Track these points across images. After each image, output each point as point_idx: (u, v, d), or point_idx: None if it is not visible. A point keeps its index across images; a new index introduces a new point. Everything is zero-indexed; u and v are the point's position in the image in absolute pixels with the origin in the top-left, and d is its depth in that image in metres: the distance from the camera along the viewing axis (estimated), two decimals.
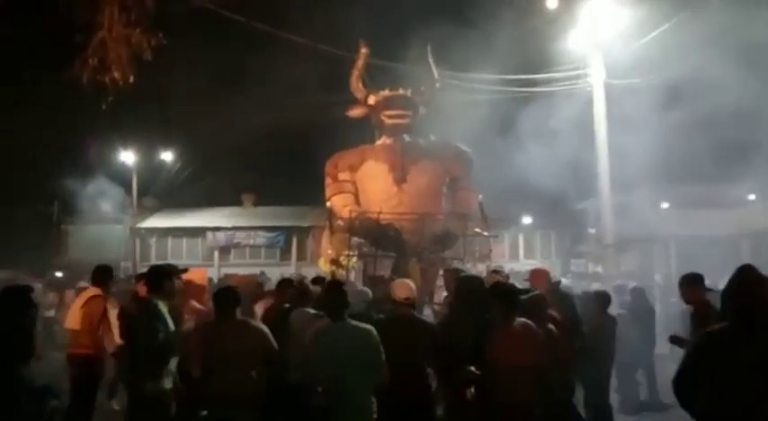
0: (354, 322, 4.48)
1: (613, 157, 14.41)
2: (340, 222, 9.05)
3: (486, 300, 4.55)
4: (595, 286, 11.31)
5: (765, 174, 20.54)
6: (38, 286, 11.47)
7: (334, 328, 4.49)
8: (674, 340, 5.30)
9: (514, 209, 29.78)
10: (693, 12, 12.62)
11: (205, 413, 4.66)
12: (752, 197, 24.75)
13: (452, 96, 13.68)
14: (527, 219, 32.75)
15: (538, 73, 14.64)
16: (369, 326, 4.48)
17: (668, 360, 8.37)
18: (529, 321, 4.49)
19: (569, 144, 15.29)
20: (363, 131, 9.89)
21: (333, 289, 4.86)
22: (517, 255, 32.24)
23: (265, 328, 4.89)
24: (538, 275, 6.30)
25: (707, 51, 13.38)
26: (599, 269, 15.42)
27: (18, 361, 4.17)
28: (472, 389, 4.46)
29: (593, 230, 22.25)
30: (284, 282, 6.36)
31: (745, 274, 3.27)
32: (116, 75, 7.37)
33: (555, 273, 16.05)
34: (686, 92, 14.91)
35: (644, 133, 17.19)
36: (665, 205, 25.92)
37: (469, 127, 13.21)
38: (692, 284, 5.37)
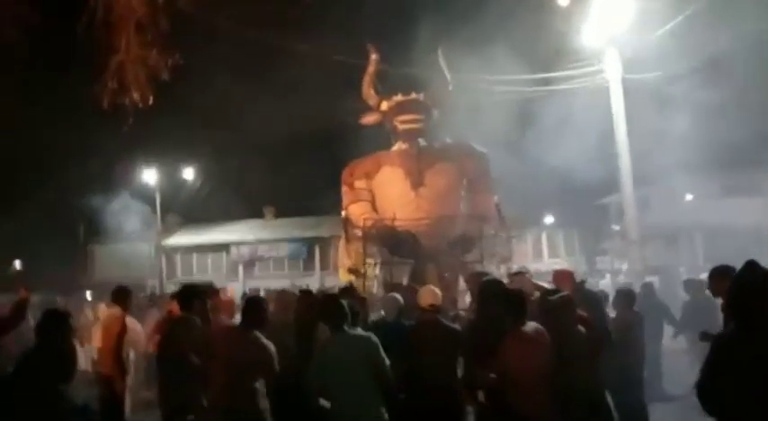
0: (353, 332, 4.43)
1: (635, 151, 14.27)
2: (356, 231, 9.03)
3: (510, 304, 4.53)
4: (620, 281, 11.22)
5: None
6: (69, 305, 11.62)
7: (332, 340, 4.46)
8: (704, 337, 5.22)
9: (536, 208, 29.65)
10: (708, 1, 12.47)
11: None
12: None
13: (467, 97, 13.70)
14: (549, 219, 32.56)
15: (553, 70, 14.56)
16: (367, 334, 4.44)
17: (682, 354, 8.31)
18: (540, 326, 4.44)
19: (589, 140, 15.19)
20: (381, 138, 9.89)
21: (330, 300, 4.81)
22: (541, 255, 32.05)
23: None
24: (562, 276, 6.25)
25: (726, 39, 13.24)
26: (624, 265, 15.25)
27: (60, 382, 4.30)
28: (481, 394, 4.44)
29: (616, 227, 22.05)
30: (306, 294, 6.40)
31: (747, 272, 3.17)
32: (135, 96, 7.49)
33: (580, 271, 16.02)
34: (707, 82, 14.76)
35: (665, 125, 17.06)
36: (689, 196, 25.55)
37: (486, 127, 13.18)
38: (721, 276, 5.27)
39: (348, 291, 6.35)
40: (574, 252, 31.74)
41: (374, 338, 4.39)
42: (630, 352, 6.14)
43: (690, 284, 8.95)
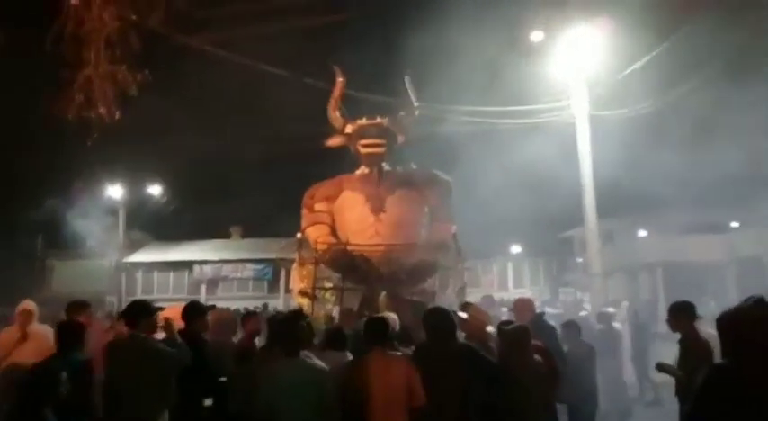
0: (309, 361, 4.32)
1: (600, 185, 14.55)
2: (311, 254, 8.92)
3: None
4: (583, 314, 11.39)
5: (747, 201, 20.83)
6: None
7: (282, 364, 4.36)
8: (662, 368, 5.29)
9: (503, 239, 29.96)
10: (674, 43, 12.89)
11: None
12: (735, 224, 25.01)
13: (435, 126, 13.84)
14: (516, 248, 32.90)
15: (522, 104, 14.82)
16: (321, 366, 4.32)
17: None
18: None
19: (555, 173, 15.45)
20: (349, 161, 9.86)
21: (287, 324, 4.70)
22: (506, 284, 32.28)
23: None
24: (522, 306, 6.33)
25: (690, 81, 13.68)
26: (585, 297, 15.43)
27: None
28: None
29: (579, 259, 22.35)
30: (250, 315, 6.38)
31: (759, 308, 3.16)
32: (102, 110, 7.41)
33: (543, 301, 16.18)
34: (672, 120, 15.18)
35: (630, 162, 17.46)
36: (646, 232, 26.11)
37: (453, 156, 13.34)
38: (679, 313, 5.36)
39: (300, 314, 6.25)
40: (539, 282, 32.07)
41: (326, 373, 4.30)
42: (584, 384, 6.21)
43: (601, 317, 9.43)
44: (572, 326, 6.91)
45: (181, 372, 4.88)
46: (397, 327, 5.31)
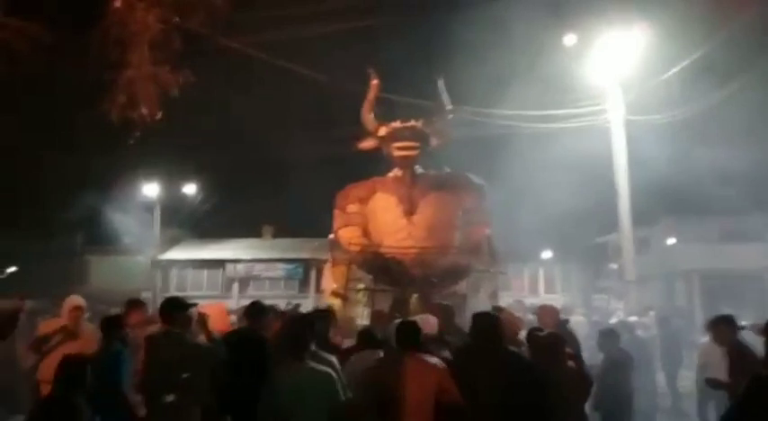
0: (313, 364, 4.33)
1: (635, 191, 14.36)
2: (343, 255, 8.96)
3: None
4: (614, 321, 11.26)
5: None
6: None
7: (288, 368, 4.39)
8: (712, 382, 5.21)
9: (535, 243, 29.66)
10: (714, 48, 12.67)
11: None
12: None
13: (469, 129, 13.79)
14: (547, 254, 32.52)
15: (557, 108, 14.70)
16: (326, 371, 4.32)
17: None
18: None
19: (590, 178, 15.30)
20: (383, 163, 9.89)
21: (292, 327, 4.72)
22: (537, 290, 31.92)
23: None
24: (545, 312, 6.27)
25: (727, 86, 13.43)
26: (620, 305, 15.22)
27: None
28: None
29: (614, 265, 22.03)
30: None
31: None
32: (144, 111, 7.58)
33: (576, 308, 16.03)
34: (709, 126, 14.92)
35: (665, 168, 17.18)
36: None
37: (489, 161, 13.30)
38: (719, 325, 5.25)
39: (320, 315, 6.11)
40: (571, 288, 31.64)
41: (333, 375, 4.32)
42: (621, 391, 6.15)
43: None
44: (610, 334, 6.83)
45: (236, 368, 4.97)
46: (436, 330, 5.31)
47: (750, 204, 21.27)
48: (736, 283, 20.86)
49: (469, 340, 4.75)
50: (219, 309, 7.22)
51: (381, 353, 5.03)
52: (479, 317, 4.77)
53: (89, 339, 6.02)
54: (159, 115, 7.69)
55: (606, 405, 5.95)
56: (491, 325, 4.64)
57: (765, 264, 21.90)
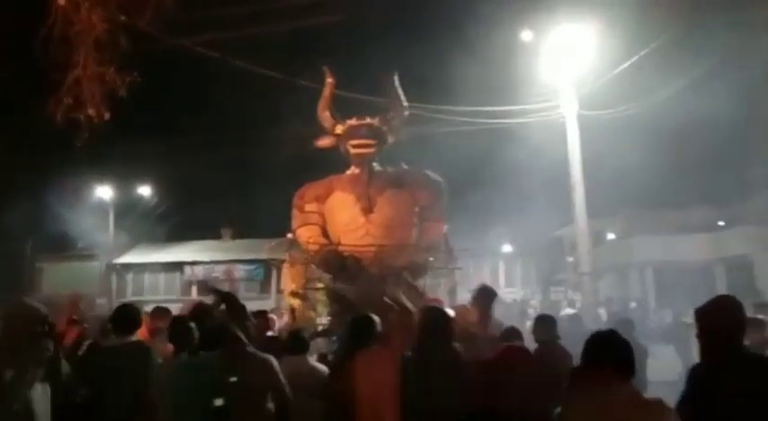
0: (197, 359, 4.33)
1: (590, 185, 14.63)
2: (301, 255, 8.91)
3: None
4: (565, 313, 11.48)
5: (732, 200, 21.01)
6: None
7: (170, 364, 4.44)
8: None
9: (495, 238, 30.02)
10: (662, 44, 12.98)
11: None
12: (721, 223, 25.17)
13: (426, 127, 13.86)
14: (507, 248, 32.97)
15: (511, 105, 14.89)
16: (207, 364, 4.32)
17: None
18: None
19: (548, 173, 15.53)
20: (340, 162, 9.84)
21: (175, 322, 4.72)
22: (497, 283, 32.30)
23: None
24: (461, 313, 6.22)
25: (678, 81, 13.81)
26: (576, 297, 15.52)
27: None
28: None
29: (570, 258, 22.44)
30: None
31: (715, 305, 3.36)
32: (91, 112, 7.37)
33: (536, 301, 16.28)
34: (660, 120, 15.31)
35: (620, 162, 17.57)
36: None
37: (446, 157, 13.36)
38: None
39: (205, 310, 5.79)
40: (530, 281, 32.13)
41: (213, 370, 4.29)
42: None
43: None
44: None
45: None
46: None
47: (702, 197, 21.93)
48: (688, 275, 21.46)
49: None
50: None
51: (307, 358, 5.07)
52: (425, 315, 4.76)
53: None
54: (107, 116, 7.49)
55: None
56: (436, 322, 4.62)
57: (715, 255, 22.60)
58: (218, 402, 4.47)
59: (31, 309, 4.00)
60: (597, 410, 2.56)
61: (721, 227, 24.77)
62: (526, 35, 14.86)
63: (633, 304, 13.63)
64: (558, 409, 2.91)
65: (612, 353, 2.75)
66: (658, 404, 2.53)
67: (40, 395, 3.78)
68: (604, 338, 2.87)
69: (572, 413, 2.76)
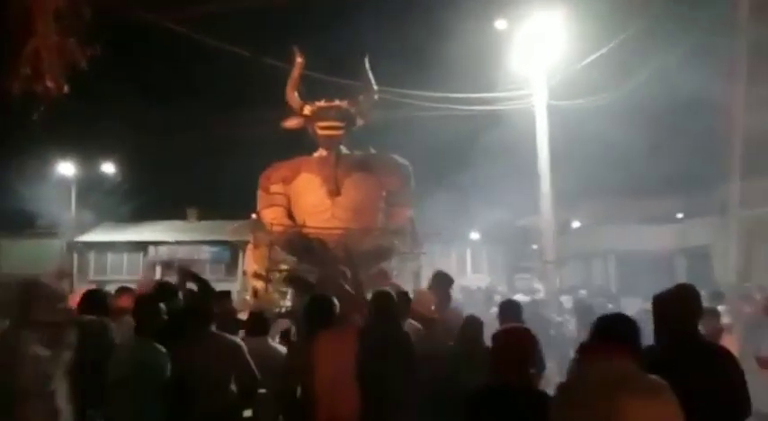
0: (152, 344, 4.28)
1: (557, 174, 14.76)
2: (265, 236, 8.83)
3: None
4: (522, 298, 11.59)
5: (694, 190, 21.44)
6: None
7: (126, 346, 4.43)
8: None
9: (463, 224, 30.21)
10: (633, 35, 13.10)
11: None
12: (680, 215, 25.69)
13: (396, 111, 13.82)
14: (475, 235, 33.22)
15: (483, 92, 14.90)
16: (158, 348, 4.26)
17: None
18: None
19: (517, 161, 15.61)
20: (308, 143, 9.75)
21: (141, 303, 4.69)
22: (464, 270, 32.55)
23: None
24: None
25: (645, 72, 13.97)
26: (539, 285, 15.71)
27: None
28: None
29: (535, 246, 22.67)
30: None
31: (672, 293, 3.46)
32: (49, 84, 7.12)
33: (502, 288, 16.41)
34: (628, 111, 15.48)
35: (585, 151, 17.76)
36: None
37: (414, 142, 13.34)
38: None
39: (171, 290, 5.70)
40: (497, 268, 32.45)
41: (164, 355, 4.24)
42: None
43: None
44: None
45: None
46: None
47: (666, 187, 22.31)
48: (649, 264, 21.87)
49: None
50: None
51: (268, 340, 5.13)
52: (375, 297, 4.88)
53: None
54: (66, 89, 7.24)
55: None
56: (384, 303, 4.76)
57: (676, 245, 23.06)
58: (247, 413, 4.54)
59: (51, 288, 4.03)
60: (599, 380, 2.75)
61: (682, 217, 25.28)
62: (500, 23, 14.85)
63: (583, 292, 13.82)
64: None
65: (617, 330, 2.98)
66: (656, 380, 2.75)
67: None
68: (612, 317, 3.15)
69: (577, 382, 2.99)
